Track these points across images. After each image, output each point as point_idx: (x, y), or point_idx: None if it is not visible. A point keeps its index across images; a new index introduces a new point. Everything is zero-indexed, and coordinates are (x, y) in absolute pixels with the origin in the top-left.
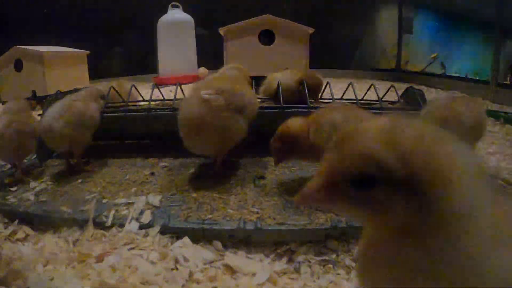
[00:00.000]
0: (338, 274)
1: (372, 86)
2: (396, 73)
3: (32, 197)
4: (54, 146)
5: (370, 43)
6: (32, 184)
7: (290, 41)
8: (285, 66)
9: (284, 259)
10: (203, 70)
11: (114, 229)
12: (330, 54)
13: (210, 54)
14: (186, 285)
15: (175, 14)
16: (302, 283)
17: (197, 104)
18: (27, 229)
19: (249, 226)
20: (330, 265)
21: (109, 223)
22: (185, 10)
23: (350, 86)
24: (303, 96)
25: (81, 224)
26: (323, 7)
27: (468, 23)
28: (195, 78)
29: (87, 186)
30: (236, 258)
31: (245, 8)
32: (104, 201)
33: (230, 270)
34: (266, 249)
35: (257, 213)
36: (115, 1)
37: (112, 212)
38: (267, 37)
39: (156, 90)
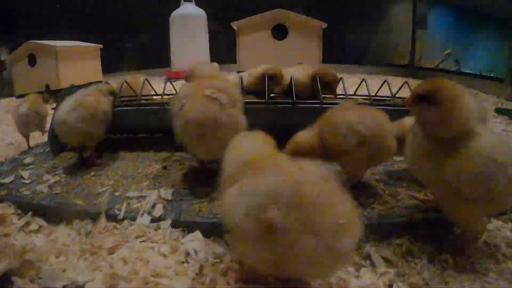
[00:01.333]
0: (347, 271)
1: (385, 83)
2: (410, 69)
3: (45, 190)
4: (67, 140)
5: (384, 39)
6: (46, 176)
7: (303, 36)
8: (298, 60)
9: None
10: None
11: (126, 222)
12: (343, 49)
13: (223, 48)
14: (196, 278)
15: (188, 8)
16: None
17: (206, 104)
18: (40, 221)
19: None
20: None
21: (121, 216)
22: (197, 4)
23: (363, 82)
24: (316, 92)
25: (94, 217)
26: (337, 1)
27: (483, 19)
28: None
29: (100, 179)
30: None
31: (259, 2)
32: (116, 194)
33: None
34: None
35: None
36: None
37: (124, 205)
38: (280, 31)
39: (168, 84)
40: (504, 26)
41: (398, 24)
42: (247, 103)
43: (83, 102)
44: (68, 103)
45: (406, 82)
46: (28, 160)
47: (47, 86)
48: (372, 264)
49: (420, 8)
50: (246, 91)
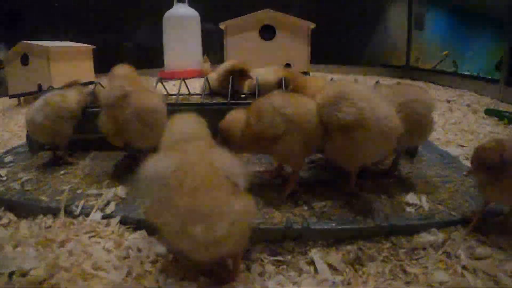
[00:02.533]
0: (289, 275)
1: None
2: (406, 70)
3: (17, 187)
4: (37, 137)
5: (380, 39)
6: (21, 174)
7: (291, 36)
8: (286, 61)
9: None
10: (206, 64)
11: (81, 218)
12: (338, 49)
13: (215, 49)
14: (132, 273)
15: (181, 9)
16: (249, 282)
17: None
18: (11, 216)
19: None
20: (284, 266)
21: (77, 212)
22: (190, 5)
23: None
24: None
25: (55, 213)
26: (332, 1)
27: (481, 20)
28: (199, 73)
29: (67, 178)
30: None
31: (250, 2)
32: (78, 191)
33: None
34: None
35: None
36: None
37: (82, 202)
38: (268, 32)
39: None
40: (502, 27)
41: (395, 25)
42: (207, 104)
43: (48, 101)
44: (37, 103)
45: (377, 81)
46: (8, 158)
47: (39, 86)
48: (316, 270)
49: (417, 9)
50: (214, 92)
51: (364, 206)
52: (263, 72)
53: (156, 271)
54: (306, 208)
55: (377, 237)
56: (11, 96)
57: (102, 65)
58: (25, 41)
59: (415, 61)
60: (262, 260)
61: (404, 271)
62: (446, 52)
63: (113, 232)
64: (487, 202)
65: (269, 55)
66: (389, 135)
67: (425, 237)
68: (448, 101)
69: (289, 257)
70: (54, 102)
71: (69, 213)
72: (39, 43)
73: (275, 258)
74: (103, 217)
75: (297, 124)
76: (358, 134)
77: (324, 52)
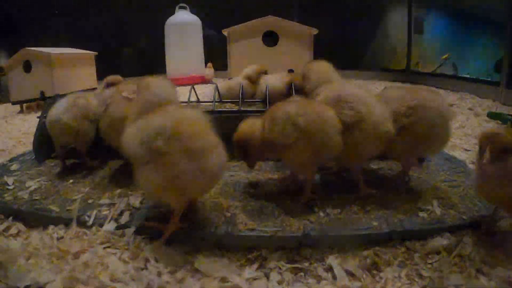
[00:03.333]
0: (308, 283)
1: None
2: (407, 74)
3: (26, 196)
4: (60, 138)
5: (381, 43)
6: (28, 183)
7: (293, 42)
8: (289, 67)
9: (255, 265)
10: (208, 70)
11: (94, 228)
12: (339, 54)
13: (217, 55)
14: (151, 285)
15: (183, 15)
16: None
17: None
18: (20, 226)
19: (220, 231)
20: (302, 273)
21: (90, 222)
22: (192, 12)
23: None
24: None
25: (67, 222)
26: (333, 6)
27: (481, 23)
28: (201, 79)
29: (77, 187)
30: (206, 262)
31: (252, 9)
32: (89, 201)
33: (199, 273)
34: (239, 254)
35: (230, 217)
36: (124, 3)
37: (95, 212)
38: (270, 38)
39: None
40: (500, 30)
41: (395, 29)
42: (217, 112)
43: (75, 103)
44: (61, 104)
45: (385, 87)
46: (14, 166)
47: (42, 93)
48: (334, 277)
49: (417, 13)
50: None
51: (378, 212)
52: (271, 79)
53: (174, 281)
54: (322, 215)
55: (392, 242)
56: (14, 103)
57: (105, 72)
58: (27, 48)
59: (415, 65)
60: (280, 268)
61: (420, 275)
62: (446, 55)
63: (128, 242)
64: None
65: (272, 61)
66: (384, 137)
67: (438, 241)
68: (451, 105)
69: (307, 264)
70: (82, 103)
71: (81, 223)
72: (41, 49)
73: (293, 266)
74: (118, 228)
75: (309, 133)
76: (355, 134)
77: (325, 57)
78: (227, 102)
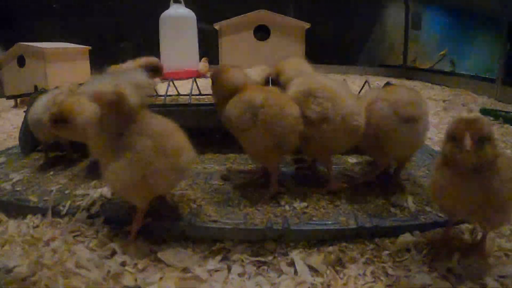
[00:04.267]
0: (270, 277)
1: (367, 83)
2: (403, 70)
3: (8, 187)
4: (42, 136)
5: (378, 39)
6: (12, 175)
7: (285, 36)
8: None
9: (219, 257)
10: (203, 65)
11: (67, 218)
12: (336, 49)
13: (212, 49)
14: (113, 272)
15: (177, 9)
16: (228, 282)
17: None
18: (2, 216)
19: (184, 222)
20: (265, 267)
21: (64, 212)
22: (187, 6)
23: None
24: None
25: (44, 212)
26: (330, 1)
27: (479, 20)
28: (196, 73)
29: (57, 178)
30: (170, 253)
31: (248, 3)
32: (66, 192)
33: (162, 263)
34: (203, 246)
35: (196, 209)
36: None
37: (69, 202)
38: (262, 32)
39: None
40: (498, 27)
41: (392, 25)
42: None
43: (54, 101)
44: (41, 102)
45: (366, 81)
46: (1, 159)
47: (36, 88)
48: (296, 272)
49: (414, 8)
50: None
51: (348, 207)
52: (250, 73)
53: (136, 270)
54: (288, 208)
55: (361, 238)
56: (8, 97)
57: (99, 66)
58: (21, 43)
59: (412, 61)
60: (243, 261)
61: (386, 274)
62: (444, 51)
63: (97, 231)
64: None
65: (263, 55)
66: (353, 131)
67: (409, 239)
68: (444, 101)
69: (271, 258)
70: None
71: (56, 213)
72: (35, 44)
73: (256, 259)
74: (88, 217)
75: (265, 125)
76: (323, 128)
77: (322, 53)
78: (206, 95)
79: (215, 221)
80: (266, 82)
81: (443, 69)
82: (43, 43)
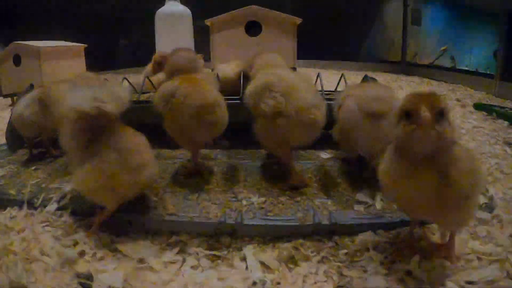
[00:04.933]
0: (221, 270)
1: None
2: (402, 66)
3: None
4: (25, 133)
5: (378, 35)
6: None
7: (277, 32)
8: None
9: (176, 249)
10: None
11: (39, 209)
12: (335, 45)
13: (208, 46)
14: (73, 260)
15: (173, 6)
16: (180, 273)
17: None
18: None
19: (144, 215)
20: (219, 261)
21: (37, 204)
22: (182, 2)
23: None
24: (239, 88)
25: (20, 204)
26: None
27: (480, 15)
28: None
29: (37, 173)
30: (129, 244)
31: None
32: (43, 185)
33: (120, 254)
34: (162, 238)
35: (156, 202)
36: None
37: (43, 195)
38: (254, 28)
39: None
40: (496, 21)
41: (392, 20)
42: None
43: (35, 98)
44: (24, 100)
45: (342, 74)
46: None
47: (32, 86)
48: (247, 268)
49: (415, 4)
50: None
51: (309, 203)
52: (224, 68)
53: (93, 259)
54: (245, 203)
55: (319, 235)
56: (5, 96)
57: (96, 64)
58: (16, 42)
59: (413, 56)
60: (197, 254)
61: (340, 274)
62: (445, 47)
63: (65, 222)
64: None
65: (255, 51)
66: (309, 125)
67: (370, 238)
68: None
69: (225, 252)
70: (44, 99)
71: (31, 205)
72: (30, 43)
73: (211, 253)
74: (58, 209)
75: (175, 112)
76: (277, 122)
77: (322, 48)
78: None
79: (171, 214)
80: (243, 77)
81: (444, 65)
82: (38, 41)
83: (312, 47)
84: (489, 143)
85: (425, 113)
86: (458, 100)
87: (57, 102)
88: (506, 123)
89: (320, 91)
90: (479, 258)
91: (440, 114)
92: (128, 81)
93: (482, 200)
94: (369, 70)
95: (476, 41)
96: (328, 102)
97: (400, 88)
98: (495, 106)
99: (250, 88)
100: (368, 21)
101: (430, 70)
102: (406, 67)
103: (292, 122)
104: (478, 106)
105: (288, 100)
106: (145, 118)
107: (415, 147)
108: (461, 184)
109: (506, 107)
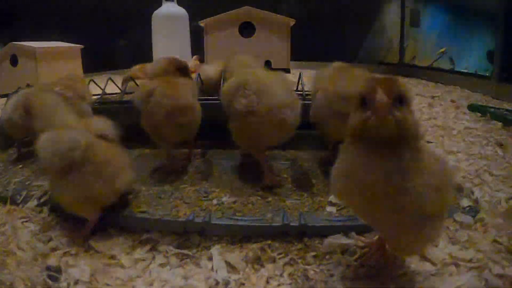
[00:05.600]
0: (189, 269)
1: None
2: (400, 68)
3: None
4: (14, 133)
5: (376, 36)
6: None
7: (270, 33)
8: (266, 58)
9: (147, 247)
10: (194, 62)
11: (21, 206)
12: (332, 46)
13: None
14: (45, 254)
15: (169, 8)
16: (147, 270)
17: None
18: None
19: (116, 213)
20: (188, 260)
21: (20, 200)
22: (179, 3)
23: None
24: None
25: (4, 201)
26: None
27: (479, 16)
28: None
29: (24, 171)
30: (103, 241)
31: (239, 1)
32: (27, 183)
33: (92, 249)
34: (135, 235)
35: (130, 200)
36: None
37: (25, 192)
38: (247, 29)
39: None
40: (493, 22)
41: (391, 22)
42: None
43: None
44: (12, 102)
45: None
46: None
47: (28, 86)
48: (212, 268)
49: (413, 5)
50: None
51: (280, 203)
52: (206, 69)
53: (66, 255)
54: (215, 202)
55: (288, 237)
56: (2, 96)
57: (93, 65)
58: (13, 43)
59: (411, 58)
60: (167, 252)
61: (306, 277)
62: (443, 49)
63: (44, 218)
64: None
65: (248, 52)
66: (280, 124)
67: (339, 241)
68: (433, 97)
69: (195, 251)
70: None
71: (14, 201)
72: (27, 44)
73: (180, 251)
74: (38, 205)
75: (150, 110)
76: (249, 121)
77: (318, 50)
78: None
79: (142, 212)
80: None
81: (443, 67)
82: (35, 42)
83: (309, 48)
84: (480, 144)
85: (381, 95)
86: (452, 101)
87: (38, 108)
88: (500, 124)
89: (300, 91)
90: (456, 265)
91: (400, 100)
92: (113, 81)
93: (466, 202)
94: (367, 71)
95: (475, 43)
96: (307, 102)
97: None
98: (490, 107)
99: (224, 87)
100: (366, 23)
101: (429, 72)
102: (404, 69)
103: (263, 121)
104: (473, 107)
105: (260, 99)
106: (127, 118)
107: (372, 134)
108: (422, 198)
109: (501, 108)
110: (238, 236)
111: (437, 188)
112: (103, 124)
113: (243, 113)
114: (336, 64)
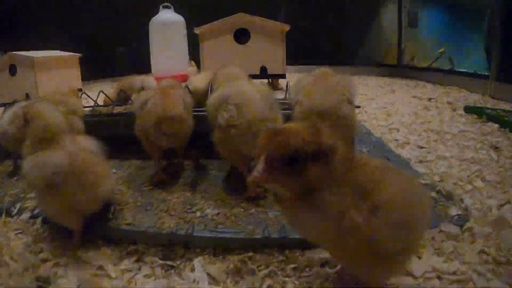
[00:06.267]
0: (174, 280)
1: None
2: (399, 69)
3: None
4: (9, 147)
5: (375, 38)
6: None
7: (265, 39)
8: (261, 64)
9: (134, 258)
10: (191, 69)
11: (16, 217)
12: (330, 49)
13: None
14: (36, 265)
15: (166, 15)
16: (132, 281)
17: None
18: None
19: (104, 225)
20: (172, 271)
21: (14, 212)
22: (176, 11)
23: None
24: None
25: (0, 213)
26: (323, 1)
27: (478, 16)
28: (186, 78)
29: (19, 183)
30: (91, 252)
31: (238, 7)
32: (21, 195)
33: (81, 260)
34: (122, 247)
35: (117, 212)
36: (109, 2)
37: (20, 204)
38: (242, 35)
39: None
40: (490, 21)
41: (388, 23)
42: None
43: (18, 114)
44: (7, 115)
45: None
46: None
47: (27, 95)
48: (194, 280)
49: (411, 6)
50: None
51: (262, 215)
52: (194, 80)
53: (55, 266)
54: (199, 215)
55: (269, 249)
56: (1, 105)
57: (91, 72)
58: (12, 52)
59: (410, 59)
60: (153, 263)
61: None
62: (442, 49)
63: (37, 230)
64: None
65: (244, 58)
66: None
67: (320, 253)
68: (429, 99)
69: (179, 262)
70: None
71: (9, 213)
72: (25, 53)
73: (165, 262)
74: (31, 217)
75: (143, 117)
76: (231, 133)
77: (317, 53)
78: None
79: (128, 224)
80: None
81: (442, 68)
82: (33, 52)
83: (307, 52)
84: (475, 148)
85: (258, 166)
86: (449, 103)
87: (36, 120)
88: (496, 125)
89: (285, 100)
90: (439, 277)
91: (292, 159)
92: (104, 93)
93: (455, 211)
94: (365, 74)
95: (474, 42)
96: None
97: (393, 91)
98: (486, 108)
99: (209, 100)
100: (364, 25)
101: (427, 73)
102: (403, 70)
103: (244, 134)
104: (469, 109)
105: (241, 113)
106: (118, 130)
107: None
108: (376, 237)
109: (498, 109)
110: (221, 248)
111: (395, 225)
112: (89, 143)
113: (224, 126)
114: (320, 70)
